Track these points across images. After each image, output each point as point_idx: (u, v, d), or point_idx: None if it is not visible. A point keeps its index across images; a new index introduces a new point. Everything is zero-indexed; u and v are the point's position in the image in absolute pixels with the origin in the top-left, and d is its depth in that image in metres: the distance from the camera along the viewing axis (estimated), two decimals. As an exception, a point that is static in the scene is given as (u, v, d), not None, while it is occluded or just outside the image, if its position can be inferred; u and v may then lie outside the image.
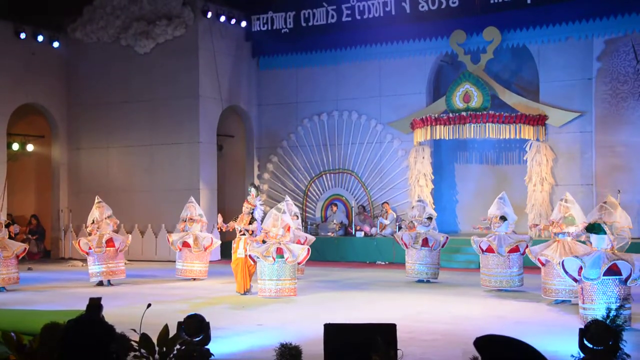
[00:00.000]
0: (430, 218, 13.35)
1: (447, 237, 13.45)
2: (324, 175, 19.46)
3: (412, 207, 14.03)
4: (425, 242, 13.06)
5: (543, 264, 10.38)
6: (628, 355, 5.89)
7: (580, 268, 8.35)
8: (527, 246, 11.52)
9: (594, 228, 8.51)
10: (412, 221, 13.55)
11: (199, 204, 16.46)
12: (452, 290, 12.09)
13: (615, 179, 15.95)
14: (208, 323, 6.92)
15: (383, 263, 16.67)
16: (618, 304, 7.27)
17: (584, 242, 9.85)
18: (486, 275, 11.83)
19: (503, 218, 11.89)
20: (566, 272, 8.54)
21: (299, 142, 19.58)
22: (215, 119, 18.64)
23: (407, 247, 13.20)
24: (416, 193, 17.55)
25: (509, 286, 11.68)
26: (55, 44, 18.63)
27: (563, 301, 10.24)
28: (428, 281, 13.02)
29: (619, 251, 8.53)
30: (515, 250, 11.67)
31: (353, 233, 18.10)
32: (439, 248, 13.29)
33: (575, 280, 8.56)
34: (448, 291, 11.94)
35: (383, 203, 18.02)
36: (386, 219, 17.50)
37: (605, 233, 8.46)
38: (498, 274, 11.70)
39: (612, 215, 8.56)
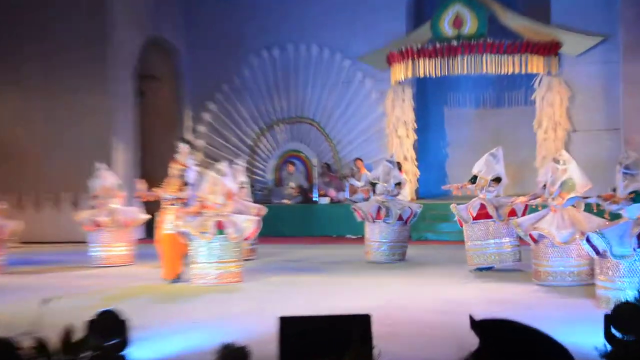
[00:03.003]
0: (399, 184, 13.45)
1: (421, 207, 13.70)
2: (276, 127, 19.48)
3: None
4: (399, 217, 13.21)
5: (535, 240, 10.41)
6: (667, 345, 5.93)
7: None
8: (525, 208, 11.71)
9: (639, 196, 8.53)
10: (372, 182, 13.62)
11: (114, 168, 16.22)
12: (440, 269, 12.20)
13: (648, 123, 16.17)
14: (126, 321, 6.80)
15: (354, 237, 16.72)
16: None
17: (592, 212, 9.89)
18: (475, 250, 11.91)
19: (497, 179, 12.00)
20: (590, 244, 8.65)
21: (243, 85, 19.55)
22: (132, 55, 18.42)
23: (372, 221, 13.22)
24: (394, 146, 17.60)
25: (510, 260, 11.83)
26: None
27: (555, 285, 10.26)
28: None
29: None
30: (512, 214, 11.78)
31: (315, 199, 18.09)
32: (413, 221, 13.55)
33: (597, 253, 8.65)
34: (435, 271, 12.04)
35: (355, 160, 18.07)
36: (359, 180, 17.47)
37: None
38: (492, 245, 11.80)
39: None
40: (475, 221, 11.87)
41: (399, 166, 15.20)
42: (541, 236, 10.32)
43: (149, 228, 15.92)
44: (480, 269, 11.84)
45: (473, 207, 11.95)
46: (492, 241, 11.79)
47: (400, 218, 13.20)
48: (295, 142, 19.35)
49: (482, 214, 11.87)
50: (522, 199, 11.55)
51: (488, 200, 11.89)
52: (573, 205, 10.40)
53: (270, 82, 19.38)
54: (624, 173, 8.62)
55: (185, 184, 11.85)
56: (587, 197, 9.82)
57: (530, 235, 10.40)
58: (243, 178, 14.34)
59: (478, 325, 2.87)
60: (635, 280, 8.23)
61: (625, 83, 16.42)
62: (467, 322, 3.08)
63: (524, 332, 2.86)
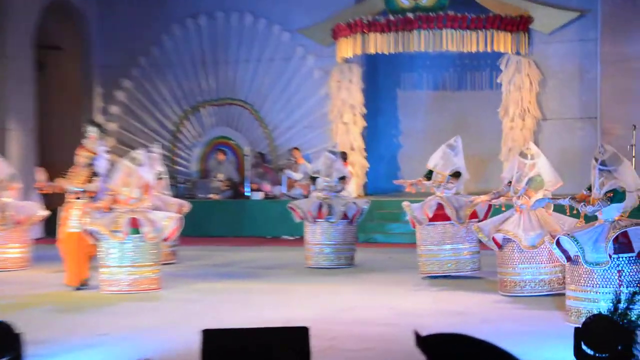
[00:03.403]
0: (343, 178, 13.55)
1: (369, 203, 13.82)
2: (203, 109, 19.42)
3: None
4: (344, 215, 13.30)
5: (500, 245, 10.49)
6: (644, 364, 6.05)
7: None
8: (489, 208, 11.85)
9: (617, 195, 8.57)
10: (312, 176, 13.74)
11: (8, 154, 16.03)
12: (389, 276, 12.33)
13: (630, 110, 16.34)
14: (20, 335, 6.70)
15: (292, 238, 16.83)
16: (631, 291, 7.18)
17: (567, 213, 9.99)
18: (429, 255, 12.00)
19: (457, 175, 12.08)
20: (561, 249, 8.78)
21: (164, 59, 19.52)
22: (31, 21, 18.21)
23: (313, 220, 13.32)
24: (339, 134, 17.76)
25: (469, 269, 11.99)
26: None
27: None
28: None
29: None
30: (473, 216, 11.86)
31: (247, 194, 18.15)
32: (360, 219, 13.66)
33: (568, 259, 8.79)
34: (383, 278, 12.19)
35: (292, 149, 18.12)
36: (296, 171, 17.54)
37: (624, 199, 8.61)
38: (449, 251, 11.90)
39: (623, 172, 8.71)
40: (431, 223, 11.97)
41: (344, 157, 15.28)
42: (506, 240, 10.40)
43: (50, 226, 15.75)
44: (434, 277, 11.95)
45: (429, 206, 12.00)
46: (449, 246, 11.89)
47: (344, 216, 13.28)
48: (224, 127, 19.27)
49: (439, 215, 11.94)
50: (484, 197, 11.52)
51: (447, 199, 11.94)
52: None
53: (196, 56, 19.30)
54: (600, 170, 8.67)
55: (94, 174, 11.74)
56: (558, 198, 9.78)
57: (494, 240, 10.49)
58: (161, 168, 14.25)
59: (424, 342, 2.89)
60: (609, 291, 8.32)
61: (604, 64, 16.67)
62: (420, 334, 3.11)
63: (477, 349, 2.90)
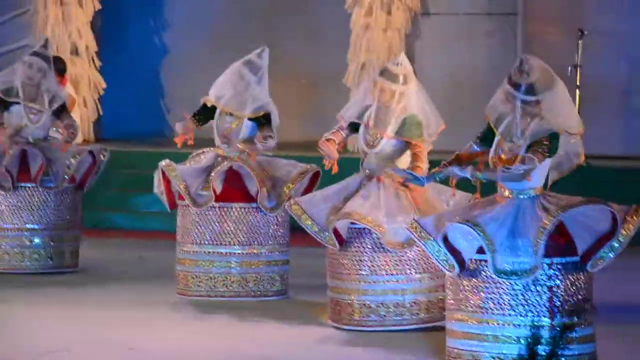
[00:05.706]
0: (62, 109, 13.59)
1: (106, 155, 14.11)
2: None
3: None
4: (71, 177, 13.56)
5: (342, 242, 10.43)
6: None
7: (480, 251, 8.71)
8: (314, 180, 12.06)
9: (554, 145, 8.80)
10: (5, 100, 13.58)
11: None
12: (140, 291, 12.67)
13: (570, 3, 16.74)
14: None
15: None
16: (563, 320, 7.93)
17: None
18: (193, 264, 12.18)
19: (264, 118, 12.15)
20: (449, 249, 8.71)
21: None
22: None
23: (12, 186, 13.41)
24: (48, 22, 17.68)
25: (271, 291, 12.19)
26: None
27: None
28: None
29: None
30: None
31: None
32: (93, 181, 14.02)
33: (462, 265, 8.72)
34: (129, 294, 12.49)
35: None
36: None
37: (556, 151, 8.84)
38: (236, 257, 12.10)
39: (553, 103, 8.86)
40: (214, 204, 12.04)
41: (60, 67, 15.22)
42: (355, 232, 10.48)
43: None
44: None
45: (218, 174, 12.05)
46: (239, 250, 12.05)
47: (70, 179, 13.48)
48: None
49: (229, 192, 12.11)
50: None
51: (249, 164, 12.05)
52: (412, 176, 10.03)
53: None
54: (524, 102, 8.66)
55: None
56: (445, 166, 9.29)
57: (335, 230, 10.42)
58: None
59: None
60: (527, 322, 8.44)
61: None
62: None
63: None
